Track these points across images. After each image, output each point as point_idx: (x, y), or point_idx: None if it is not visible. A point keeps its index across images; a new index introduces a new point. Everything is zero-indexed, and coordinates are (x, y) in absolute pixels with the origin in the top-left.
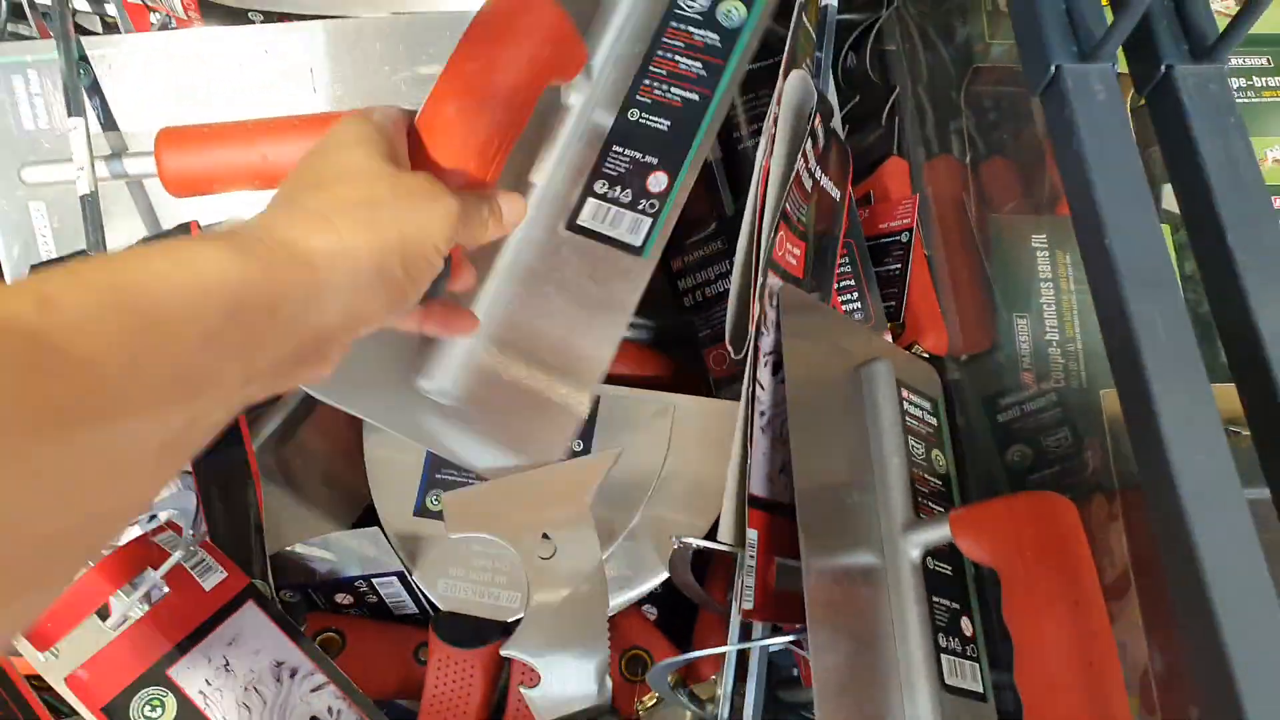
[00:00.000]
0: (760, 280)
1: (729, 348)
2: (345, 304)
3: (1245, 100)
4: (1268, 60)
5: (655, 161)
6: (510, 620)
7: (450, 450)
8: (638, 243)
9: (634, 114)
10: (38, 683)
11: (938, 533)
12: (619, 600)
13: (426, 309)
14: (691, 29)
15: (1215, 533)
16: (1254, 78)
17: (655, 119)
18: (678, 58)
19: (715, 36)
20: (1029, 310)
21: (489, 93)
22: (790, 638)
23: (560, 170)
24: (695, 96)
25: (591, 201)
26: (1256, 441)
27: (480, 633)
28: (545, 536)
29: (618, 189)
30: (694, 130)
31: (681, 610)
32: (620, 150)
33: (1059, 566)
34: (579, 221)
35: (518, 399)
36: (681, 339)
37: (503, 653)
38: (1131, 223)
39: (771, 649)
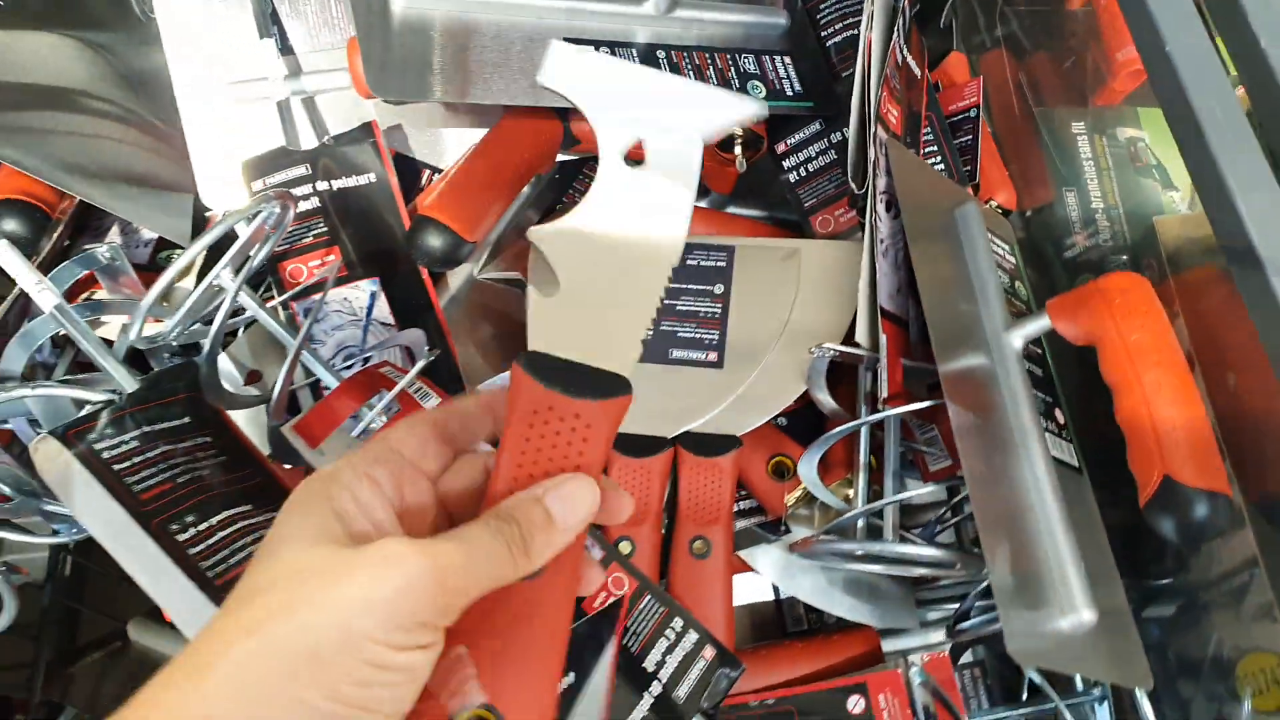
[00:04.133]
0: (872, 130)
1: (851, 184)
2: None
3: None
4: None
5: None
6: (671, 436)
7: None
8: None
9: None
10: None
11: (1036, 323)
12: (763, 418)
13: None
14: None
15: None
16: None
17: None
18: None
19: None
20: (1076, 185)
21: None
22: (923, 404)
23: None
24: None
25: None
26: None
27: (649, 446)
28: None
29: None
30: None
31: (810, 431)
32: None
33: (1144, 327)
34: None
35: None
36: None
37: None
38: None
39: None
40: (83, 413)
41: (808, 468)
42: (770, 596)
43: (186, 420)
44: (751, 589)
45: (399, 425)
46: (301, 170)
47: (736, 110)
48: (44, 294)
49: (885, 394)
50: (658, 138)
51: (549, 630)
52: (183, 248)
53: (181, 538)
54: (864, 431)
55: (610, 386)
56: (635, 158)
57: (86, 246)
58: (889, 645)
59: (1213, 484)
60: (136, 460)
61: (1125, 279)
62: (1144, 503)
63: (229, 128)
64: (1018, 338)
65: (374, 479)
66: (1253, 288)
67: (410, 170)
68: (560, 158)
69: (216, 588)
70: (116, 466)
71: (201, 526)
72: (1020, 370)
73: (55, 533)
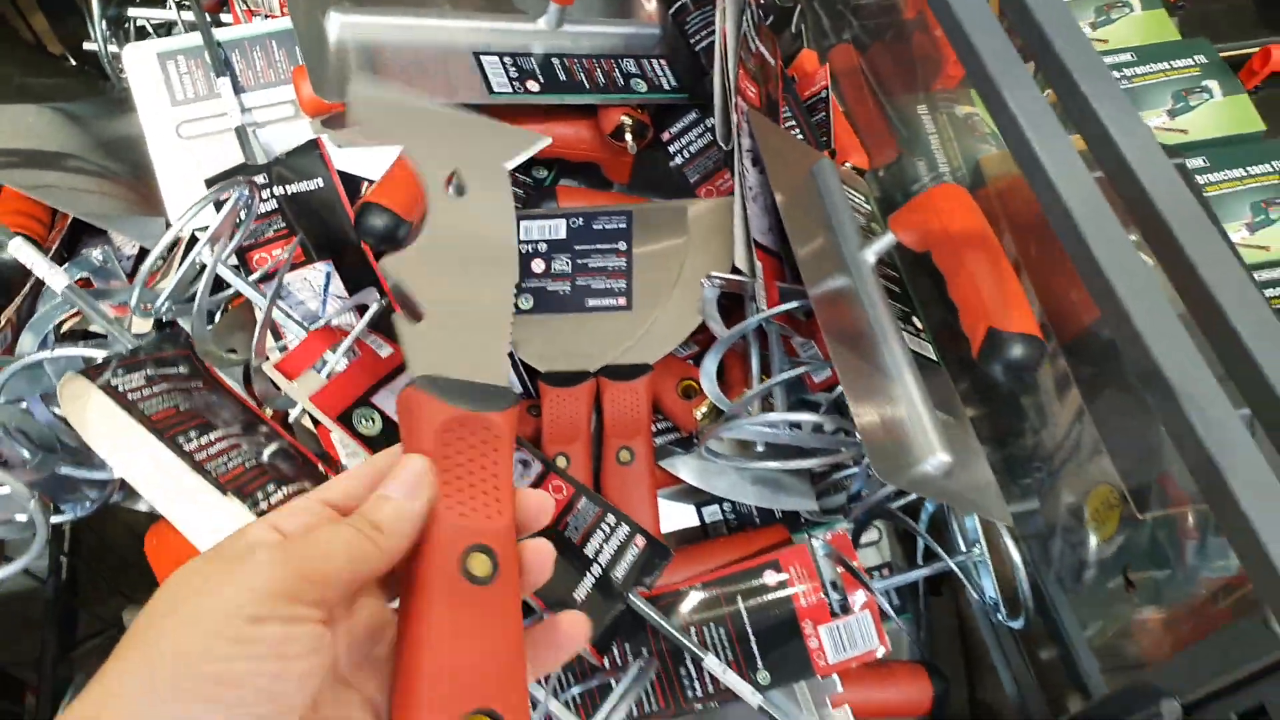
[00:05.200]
0: (733, 99)
1: (720, 143)
2: None
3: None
4: (1204, 160)
5: None
6: (593, 370)
7: None
8: None
9: None
10: None
11: (883, 239)
12: (669, 347)
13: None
14: None
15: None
16: (1197, 176)
17: None
18: None
19: None
20: (925, 155)
21: None
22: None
23: None
24: None
25: None
26: None
27: (574, 378)
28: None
29: None
30: None
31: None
32: None
33: (963, 221)
34: None
35: None
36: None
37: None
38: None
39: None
40: (98, 362)
41: (705, 375)
42: (696, 522)
43: (183, 369)
44: (680, 517)
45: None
46: (260, 179)
47: (521, 141)
48: (56, 276)
49: (764, 307)
50: (468, 167)
51: (518, 628)
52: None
53: (188, 447)
54: (753, 350)
55: (501, 397)
56: (456, 187)
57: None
58: (797, 539)
59: (1026, 328)
60: (145, 392)
61: (947, 188)
62: (976, 353)
63: (193, 160)
64: (870, 254)
65: None
66: (1040, 186)
67: (353, 182)
68: None
69: (221, 484)
70: (130, 396)
71: (202, 440)
72: (875, 280)
73: (60, 510)
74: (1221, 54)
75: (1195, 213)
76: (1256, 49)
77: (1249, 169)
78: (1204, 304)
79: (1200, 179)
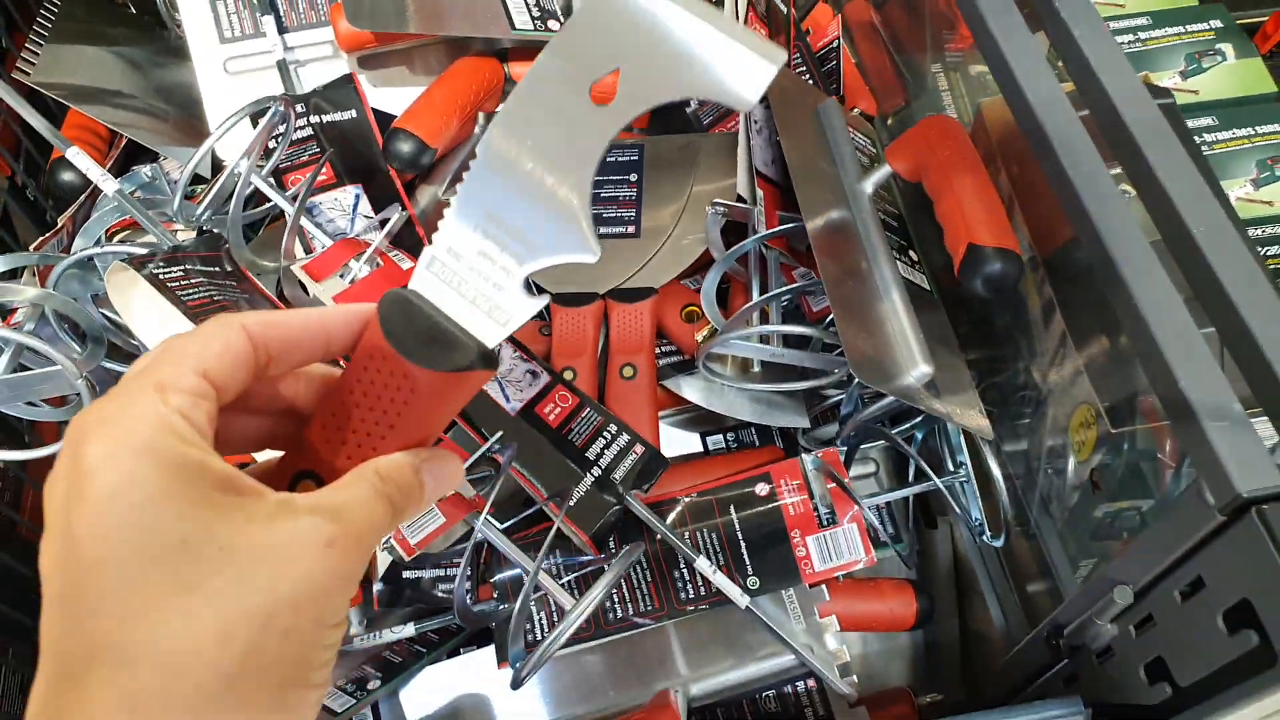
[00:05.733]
0: None
1: None
2: None
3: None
4: (1213, 119)
5: None
6: (601, 292)
7: None
8: None
9: None
10: None
11: (880, 170)
12: (673, 273)
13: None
14: None
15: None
16: (1204, 134)
17: None
18: None
19: None
20: (934, 107)
21: None
22: (788, 226)
23: None
24: None
25: None
26: None
27: (582, 298)
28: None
29: None
30: None
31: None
32: None
33: (951, 147)
34: None
35: None
36: None
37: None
38: None
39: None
40: (143, 254)
41: (705, 297)
42: (700, 448)
43: (217, 269)
44: (685, 443)
45: (206, 333)
46: (298, 108)
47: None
48: (109, 183)
49: (763, 230)
50: (640, 79)
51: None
52: (206, 179)
53: None
54: (754, 277)
55: (462, 356)
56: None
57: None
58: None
59: (1005, 244)
60: (184, 282)
61: (937, 118)
62: (958, 270)
63: (239, 96)
64: (869, 185)
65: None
66: (1021, 111)
67: (384, 119)
68: None
69: None
70: (170, 284)
71: None
72: (872, 210)
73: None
74: (1238, 20)
75: (1170, 141)
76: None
77: (1257, 128)
78: (1175, 229)
79: (1209, 137)
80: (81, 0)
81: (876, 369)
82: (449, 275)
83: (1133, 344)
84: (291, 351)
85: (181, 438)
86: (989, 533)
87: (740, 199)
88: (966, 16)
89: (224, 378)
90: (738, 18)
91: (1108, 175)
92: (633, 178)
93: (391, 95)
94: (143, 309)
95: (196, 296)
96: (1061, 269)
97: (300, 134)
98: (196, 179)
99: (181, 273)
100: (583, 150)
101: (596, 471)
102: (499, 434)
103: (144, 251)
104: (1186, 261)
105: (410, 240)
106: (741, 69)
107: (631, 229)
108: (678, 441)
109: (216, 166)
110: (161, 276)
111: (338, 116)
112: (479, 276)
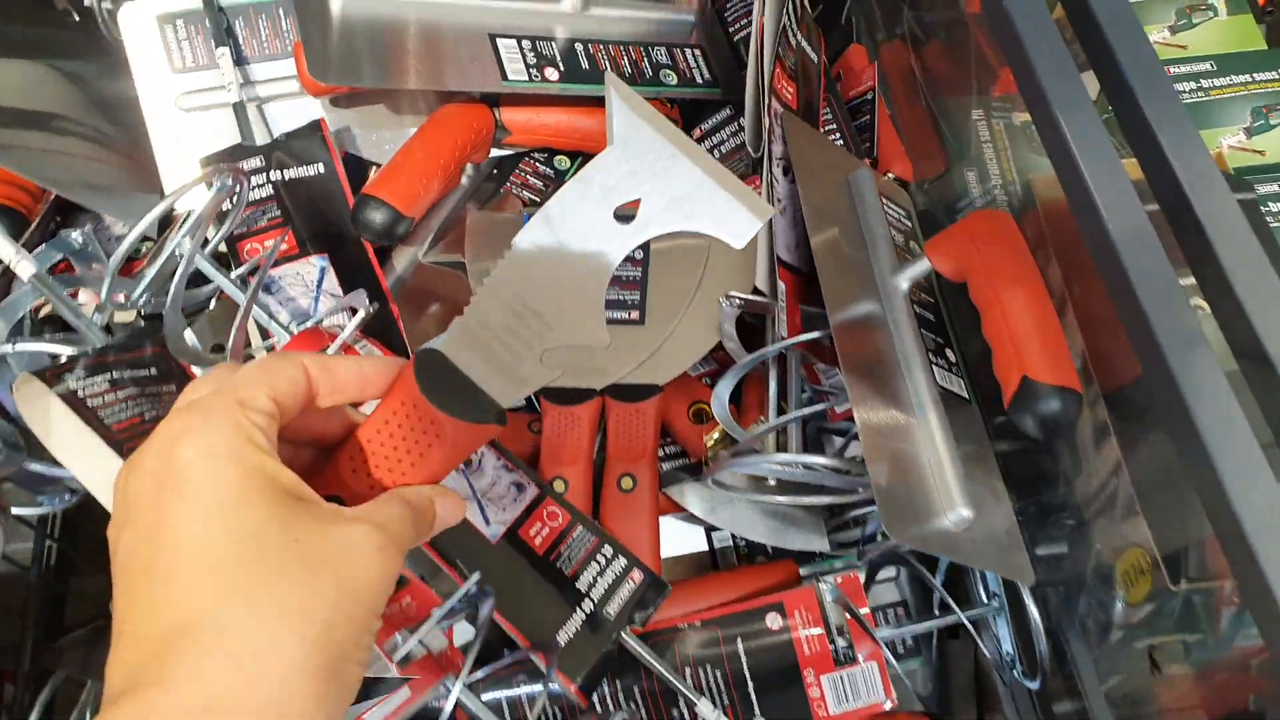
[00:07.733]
0: (766, 101)
1: (749, 148)
2: None
3: (1195, 100)
4: (1211, 65)
5: None
6: (599, 388)
7: None
8: None
9: None
10: None
11: (918, 265)
12: (681, 368)
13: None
14: None
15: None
16: (1200, 80)
17: None
18: None
19: None
20: (976, 165)
21: None
22: (812, 335)
23: None
24: None
25: None
26: None
27: (578, 395)
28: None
29: None
30: None
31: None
32: None
33: (1002, 252)
34: None
35: None
36: None
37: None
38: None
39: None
40: (62, 360)
41: (718, 402)
42: (705, 546)
43: (154, 371)
44: (687, 540)
45: (274, 364)
46: (256, 162)
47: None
48: (24, 265)
49: (784, 333)
50: (655, 209)
51: None
52: (153, 239)
53: None
54: (772, 375)
55: (483, 411)
56: (623, 212)
57: (61, 232)
58: (806, 571)
59: (1064, 380)
60: (108, 398)
61: (987, 213)
62: (1008, 403)
63: (191, 134)
64: (904, 280)
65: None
66: (1082, 210)
67: (358, 167)
68: (496, 153)
69: None
70: (91, 402)
71: None
72: (907, 308)
73: (40, 503)
74: None
75: (1256, 253)
76: None
77: (1255, 75)
78: (1257, 358)
79: (1205, 83)
80: (11, 4)
81: (906, 511)
82: (476, 342)
83: (1208, 514)
84: (336, 393)
85: (259, 448)
86: (1023, 670)
87: (758, 291)
88: (1018, 77)
89: (286, 405)
90: (763, 77)
91: (1184, 299)
92: (638, 255)
93: (369, 140)
94: (58, 430)
95: (123, 416)
96: (1124, 398)
97: (259, 192)
98: (144, 238)
99: (107, 384)
100: (604, 256)
101: (588, 606)
102: (475, 575)
103: (66, 350)
104: (1266, 400)
105: (383, 323)
106: (735, 220)
107: (635, 314)
108: (680, 538)
109: (166, 223)
110: (81, 394)
111: (302, 172)
112: (502, 346)
